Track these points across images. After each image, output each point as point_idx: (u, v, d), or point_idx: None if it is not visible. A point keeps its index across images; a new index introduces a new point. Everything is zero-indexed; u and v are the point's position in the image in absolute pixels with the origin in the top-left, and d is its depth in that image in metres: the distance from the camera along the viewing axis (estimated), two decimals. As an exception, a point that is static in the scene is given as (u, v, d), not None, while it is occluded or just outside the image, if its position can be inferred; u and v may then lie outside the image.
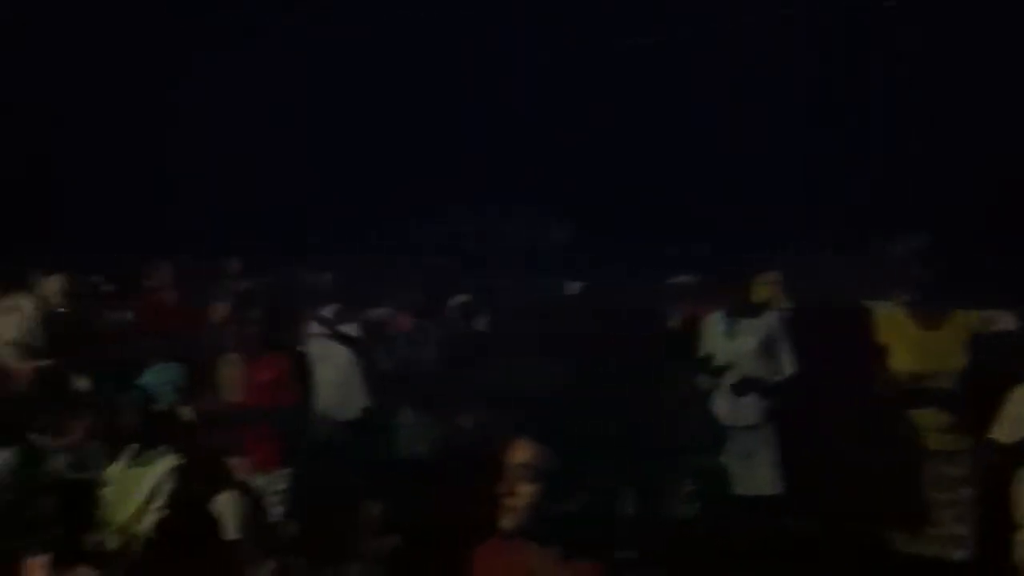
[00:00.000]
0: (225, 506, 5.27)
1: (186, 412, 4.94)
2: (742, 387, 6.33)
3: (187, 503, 4.63)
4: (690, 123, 11.87)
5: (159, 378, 4.94)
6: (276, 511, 5.77)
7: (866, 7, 11.63)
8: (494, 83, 13.59)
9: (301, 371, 6.41)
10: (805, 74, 11.63)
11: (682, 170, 11.94)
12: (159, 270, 10.00)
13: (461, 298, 8.13)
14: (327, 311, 7.63)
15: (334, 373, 7.07)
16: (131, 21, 13.14)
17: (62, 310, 8.82)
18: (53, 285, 9.20)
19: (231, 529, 4.89)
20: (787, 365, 6.43)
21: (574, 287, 9.29)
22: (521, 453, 3.43)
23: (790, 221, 10.41)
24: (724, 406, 6.42)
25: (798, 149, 11.23)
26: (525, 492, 3.37)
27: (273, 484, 5.94)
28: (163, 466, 4.56)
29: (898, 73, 11.23)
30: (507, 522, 3.39)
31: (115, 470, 4.68)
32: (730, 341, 6.48)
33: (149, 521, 4.47)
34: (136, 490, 4.54)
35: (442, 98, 13.65)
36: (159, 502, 4.50)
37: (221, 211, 12.74)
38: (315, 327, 7.40)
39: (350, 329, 7.44)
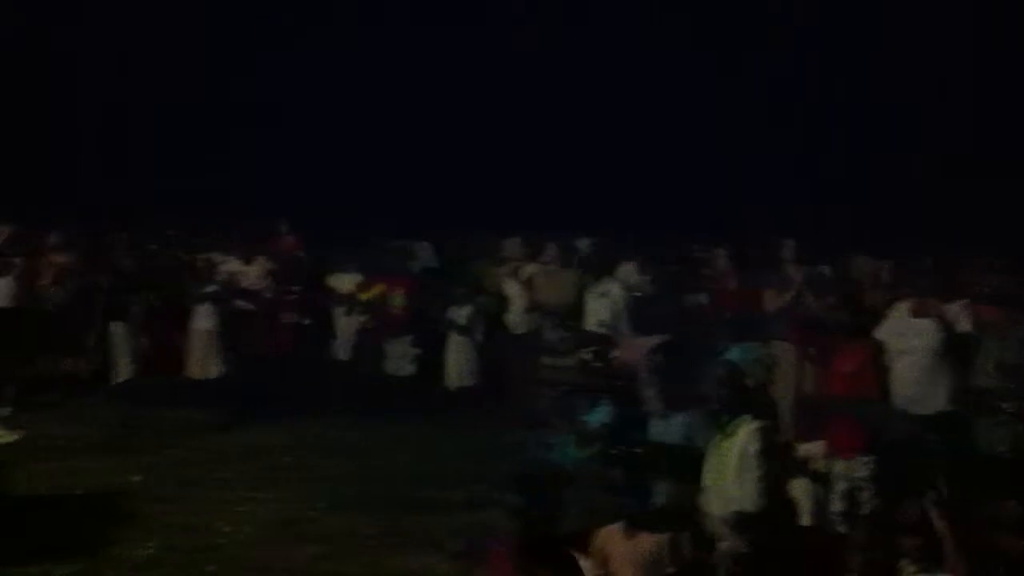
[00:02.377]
0: (799, 492, 5.31)
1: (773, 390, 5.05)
2: None
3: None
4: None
5: (747, 355, 5.09)
6: (861, 498, 5.68)
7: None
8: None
9: (880, 363, 6.29)
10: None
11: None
12: (718, 256, 10.49)
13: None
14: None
15: (914, 369, 6.81)
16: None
17: (639, 294, 9.61)
18: (632, 271, 10.08)
19: (805, 516, 4.93)
20: None
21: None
22: None
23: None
24: None
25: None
26: None
27: (854, 471, 5.84)
28: (746, 430, 4.69)
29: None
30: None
31: (710, 438, 4.91)
32: None
33: (745, 487, 4.62)
34: (728, 457, 4.72)
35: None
36: (750, 468, 4.63)
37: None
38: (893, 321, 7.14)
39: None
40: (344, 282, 11.05)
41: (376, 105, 14.86)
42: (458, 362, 9.82)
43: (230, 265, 11.11)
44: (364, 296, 10.46)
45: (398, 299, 10.46)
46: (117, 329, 9.73)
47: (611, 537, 4.46)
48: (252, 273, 11.07)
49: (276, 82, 15.01)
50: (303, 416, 8.84)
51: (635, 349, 6.95)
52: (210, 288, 10.40)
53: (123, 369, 9.67)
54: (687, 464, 4.91)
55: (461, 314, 9.81)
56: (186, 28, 14.90)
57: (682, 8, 14.86)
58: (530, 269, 10.63)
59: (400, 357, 10.33)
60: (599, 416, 5.64)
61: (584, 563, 4.35)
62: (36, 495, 5.90)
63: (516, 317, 10.16)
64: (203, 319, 10.58)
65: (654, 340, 6.76)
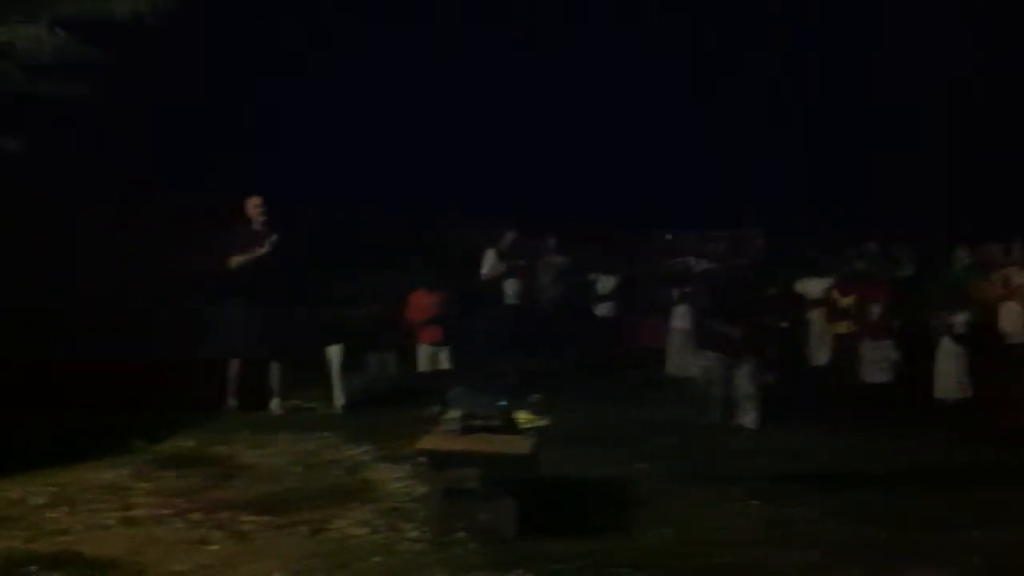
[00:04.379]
0: None
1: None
2: None
3: None
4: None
5: None
6: None
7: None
8: None
9: None
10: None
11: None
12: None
13: None
14: None
15: None
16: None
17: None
18: None
19: None
20: None
21: None
22: None
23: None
24: None
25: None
26: None
27: None
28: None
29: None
30: None
31: None
32: None
33: None
34: None
35: None
36: None
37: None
38: None
39: None
40: (814, 287, 11.12)
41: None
42: (953, 372, 9.53)
43: (702, 264, 11.68)
44: (844, 301, 10.45)
45: (876, 306, 10.36)
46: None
47: None
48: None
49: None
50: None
51: None
52: (687, 288, 10.99)
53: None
54: None
55: (956, 322, 9.53)
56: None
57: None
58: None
59: (877, 363, 10.23)
60: None
61: None
62: (560, 476, 6.58)
63: (1009, 327, 9.74)
64: (679, 319, 11.19)
65: None
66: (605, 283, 12.27)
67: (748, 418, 8.82)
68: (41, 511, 5.99)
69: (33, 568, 4.91)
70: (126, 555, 5.22)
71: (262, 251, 9.16)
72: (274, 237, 9.22)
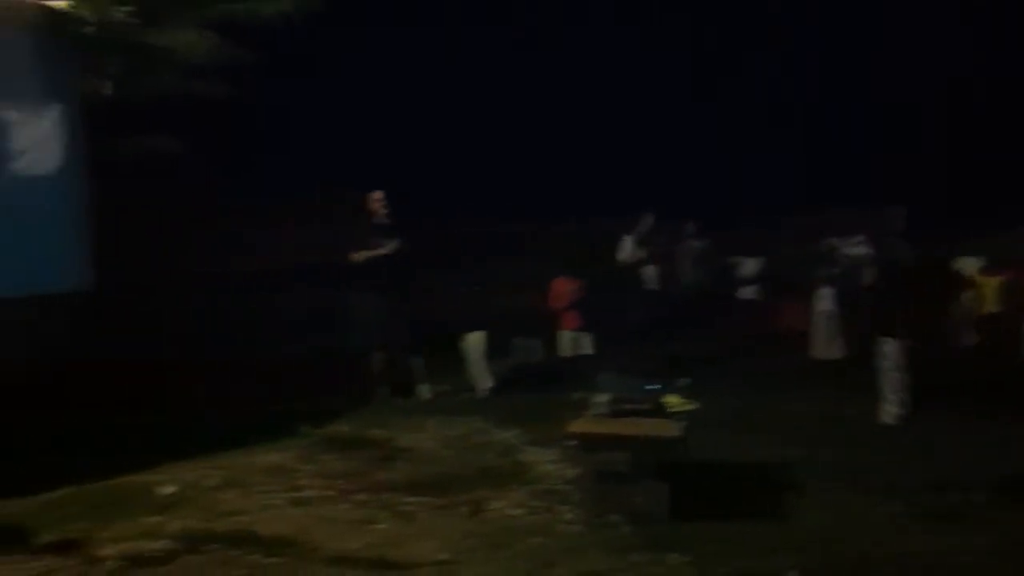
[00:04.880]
0: None
1: None
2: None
3: None
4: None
5: None
6: None
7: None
8: None
9: None
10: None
11: None
12: None
13: None
14: None
15: None
16: None
17: None
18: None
19: None
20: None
21: None
22: None
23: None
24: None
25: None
26: None
27: None
28: None
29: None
30: None
31: None
32: None
33: None
34: None
35: None
36: None
37: None
38: None
39: None
40: (970, 265, 10.84)
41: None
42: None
43: (850, 249, 11.46)
44: (990, 281, 10.19)
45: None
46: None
47: None
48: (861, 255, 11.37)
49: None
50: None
51: None
52: (833, 270, 10.82)
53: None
54: None
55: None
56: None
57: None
58: None
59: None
60: None
61: None
62: (711, 460, 6.61)
63: None
64: (824, 301, 11.03)
65: None
66: (748, 266, 12.16)
67: (893, 408, 8.56)
68: (215, 493, 6.34)
69: (215, 546, 5.22)
70: (298, 534, 5.50)
71: (388, 247, 9.44)
72: (397, 233, 9.47)
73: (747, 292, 12.16)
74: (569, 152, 14.63)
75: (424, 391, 9.57)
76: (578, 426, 6.31)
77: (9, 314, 6.96)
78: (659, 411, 6.43)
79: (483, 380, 9.85)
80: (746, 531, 5.59)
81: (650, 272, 11.68)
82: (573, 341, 10.67)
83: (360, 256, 9.46)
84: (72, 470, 6.43)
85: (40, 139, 7.65)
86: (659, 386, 6.58)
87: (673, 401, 6.52)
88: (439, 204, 12.74)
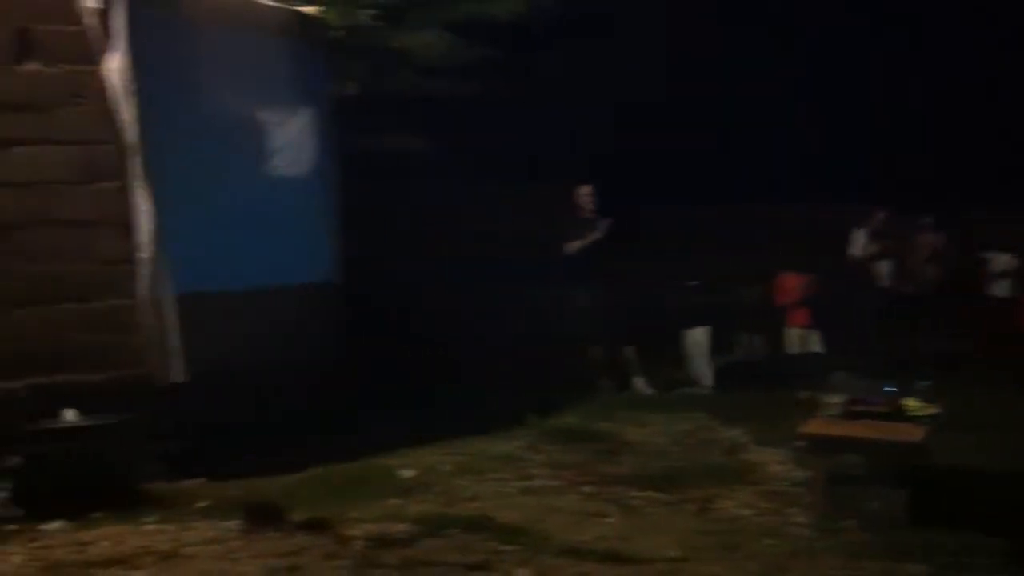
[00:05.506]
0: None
1: None
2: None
3: None
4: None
5: None
6: None
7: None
8: None
9: None
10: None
11: None
12: None
13: None
14: None
15: None
16: None
17: None
18: None
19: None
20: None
21: None
22: None
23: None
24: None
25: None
26: None
27: None
28: None
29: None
30: None
31: None
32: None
33: None
34: None
35: None
36: None
37: None
38: None
39: None
40: None
41: None
42: None
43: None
44: None
45: None
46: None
47: None
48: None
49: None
50: None
51: None
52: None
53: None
54: None
55: None
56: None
57: None
58: None
59: None
60: None
61: None
62: (955, 466, 6.31)
63: None
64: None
65: None
66: (1001, 261, 11.45)
67: None
68: (451, 478, 6.61)
69: (454, 531, 5.45)
70: (531, 522, 5.66)
71: (595, 236, 9.55)
72: (604, 223, 9.59)
73: (1000, 288, 11.45)
74: (803, 139, 14.22)
75: (640, 385, 9.62)
76: (812, 427, 6.20)
77: (266, 304, 7.44)
78: (897, 414, 6.22)
79: (705, 376, 9.81)
80: (991, 542, 5.34)
81: (884, 267, 11.23)
82: (801, 338, 10.43)
83: (575, 246, 9.63)
84: (319, 452, 6.85)
85: (294, 138, 8.14)
86: (897, 388, 6.36)
87: (913, 404, 6.28)
88: (664, 191, 12.74)
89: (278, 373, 7.32)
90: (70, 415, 6.03)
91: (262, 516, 5.50)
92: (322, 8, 8.79)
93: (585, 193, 9.80)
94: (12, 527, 5.46)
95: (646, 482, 6.50)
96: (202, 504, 5.90)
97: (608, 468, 6.86)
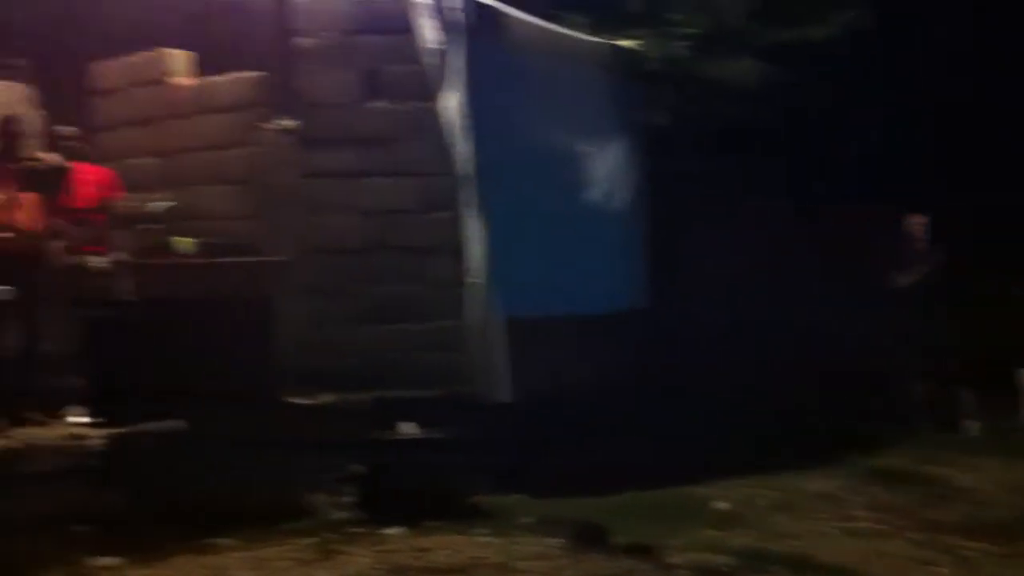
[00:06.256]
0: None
1: None
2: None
3: None
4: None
5: None
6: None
7: None
8: None
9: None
10: None
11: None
12: None
13: None
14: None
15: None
16: None
17: None
18: None
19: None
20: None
21: None
22: None
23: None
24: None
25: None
26: None
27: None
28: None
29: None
30: None
31: None
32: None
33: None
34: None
35: None
36: None
37: None
38: None
39: None
40: None
41: None
42: None
43: None
44: None
45: None
46: None
47: None
48: None
49: None
50: None
51: None
52: None
53: None
54: None
55: None
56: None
57: None
58: None
59: None
60: None
61: None
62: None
63: None
64: None
65: None
66: None
67: None
68: (767, 513, 6.50)
69: (776, 567, 5.36)
70: (856, 565, 5.46)
71: (926, 269, 9.27)
72: (939, 253, 9.30)
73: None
74: None
75: (971, 428, 9.04)
76: None
77: (582, 330, 7.66)
78: None
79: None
80: None
81: None
82: None
83: (906, 279, 9.31)
84: (633, 474, 6.93)
85: (610, 169, 8.35)
86: None
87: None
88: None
89: (592, 395, 7.50)
90: (409, 428, 6.46)
91: (586, 536, 5.66)
92: (639, 41, 8.95)
93: (918, 223, 9.55)
94: (357, 530, 5.93)
95: (978, 532, 6.11)
96: (526, 519, 6.13)
97: (936, 514, 6.50)
